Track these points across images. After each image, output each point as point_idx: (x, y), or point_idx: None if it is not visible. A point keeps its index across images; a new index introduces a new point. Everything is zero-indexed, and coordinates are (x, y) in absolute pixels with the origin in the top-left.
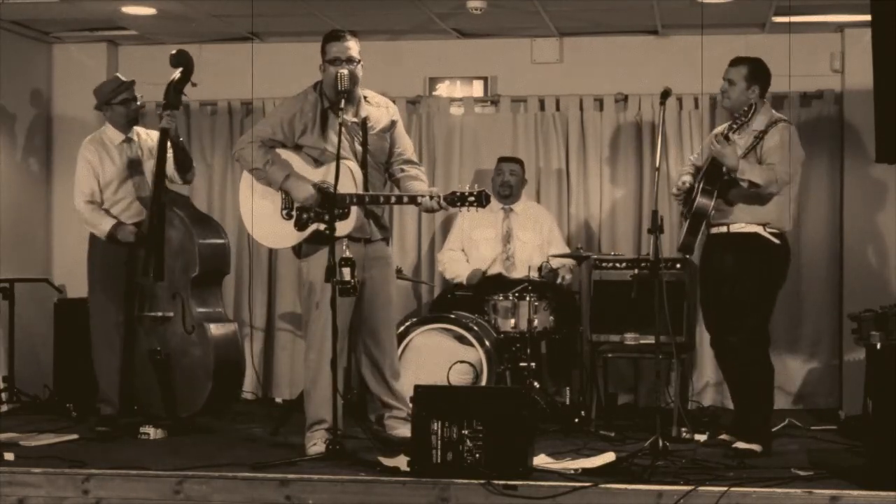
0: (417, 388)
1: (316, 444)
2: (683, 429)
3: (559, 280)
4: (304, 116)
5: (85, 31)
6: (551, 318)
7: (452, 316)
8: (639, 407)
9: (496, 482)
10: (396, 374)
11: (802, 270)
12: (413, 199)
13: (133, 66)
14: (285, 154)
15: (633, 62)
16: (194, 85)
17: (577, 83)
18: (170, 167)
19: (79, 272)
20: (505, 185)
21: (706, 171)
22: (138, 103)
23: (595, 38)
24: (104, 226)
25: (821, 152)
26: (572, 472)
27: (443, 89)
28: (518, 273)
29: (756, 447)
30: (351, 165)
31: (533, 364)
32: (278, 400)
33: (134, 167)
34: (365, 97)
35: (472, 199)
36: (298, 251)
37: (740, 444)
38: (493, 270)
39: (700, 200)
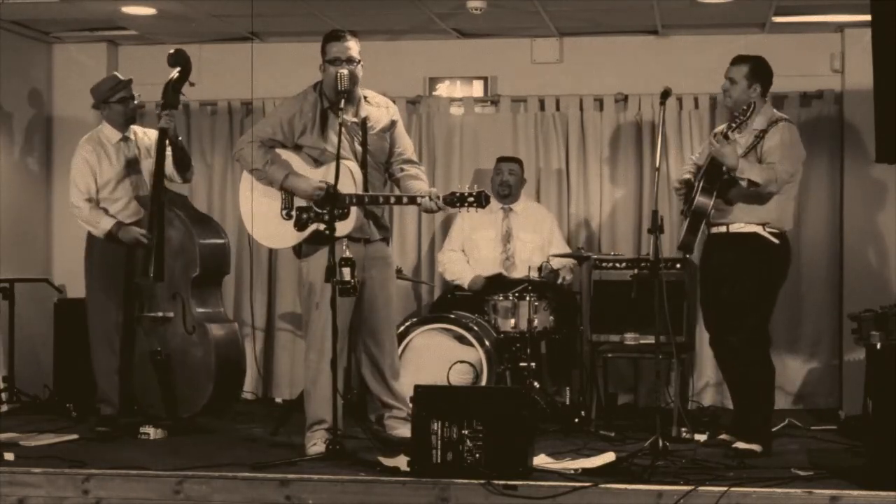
0: (417, 388)
1: (316, 444)
2: (683, 429)
3: (560, 281)
4: (303, 116)
5: (85, 31)
6: (551, 318)
7: (452, 316)
8: (639, 407)
9: (496, 482)
10: (396, 374)
11: (802, 270)
12: (413, 200)
13: (133, 66)
14: (285, 154)
15: (633, 62)
16: (192, 84)
17: (577, 83)
18: (168, 166)
19: (79, 272)
20: (504, 184)
21: (706, 170)
22: (136, 102)
23: (595, 38)
24: (104, 224)
25: (821, 152)
26: (572, 472)
27: (443, 89)
28: (518, 273)
29: (756, 447)
30: (351, 165)
31: (533, 364)
32: (278, 400)
33: (131, 166)
34: (365, 97)
35: (471, 199)
36: (298, 251)
37: (740, 444)
38: (493, 270)
39: (699, 199)
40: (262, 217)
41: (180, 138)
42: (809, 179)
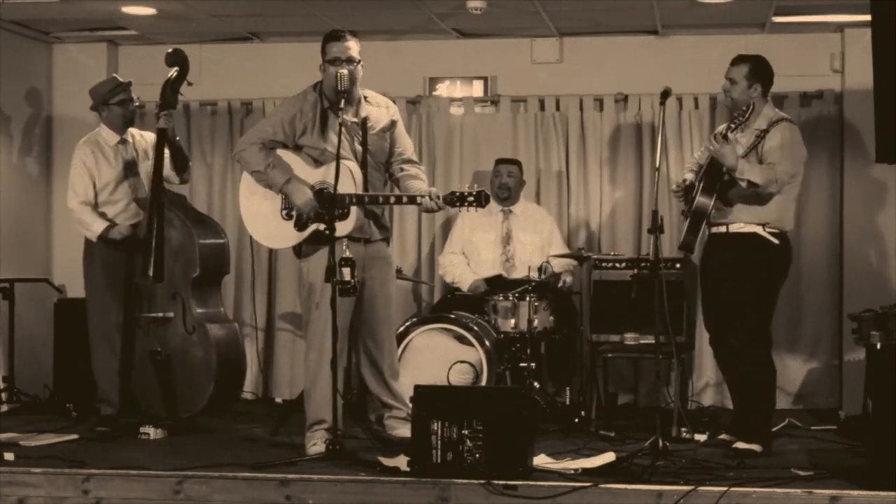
0: (417, 388)
1: (316, 444)
2: (683, 429)
3: (560, 283)
4: (303, 116)
5: (85, 31)
6: (551, 318)
7: (452, 316)
8: (639, 407)
9: (496, 482)
10: (396, 373)
11: (802, 270)
12: (412, 199)
13: (133, 67)
14: (285, 154)
15: (633, 62)
16: (191, 84)
17: (577, 83)
18: (167, 167)
19: (79, 272)
20: (503, 187)
21: (706, 170)
22: (136, 104)
23: (595, 38)
24: (95, 227)
25: (821, 152)
26: (572, 472)
27: (443, 89)
28: (518, 275)
29: (756, 447)
30: (351, 165)
31: (533, 364)
32: (278, 400)
33: (130, 168)
34: (365, 97)
35: (471, 198)
36: (298, 251)
37: (740, 444)
38: (493, 272)
39: (700, 199)
40: (262, 217)
41: (178, 139)
42: (809, 179)
